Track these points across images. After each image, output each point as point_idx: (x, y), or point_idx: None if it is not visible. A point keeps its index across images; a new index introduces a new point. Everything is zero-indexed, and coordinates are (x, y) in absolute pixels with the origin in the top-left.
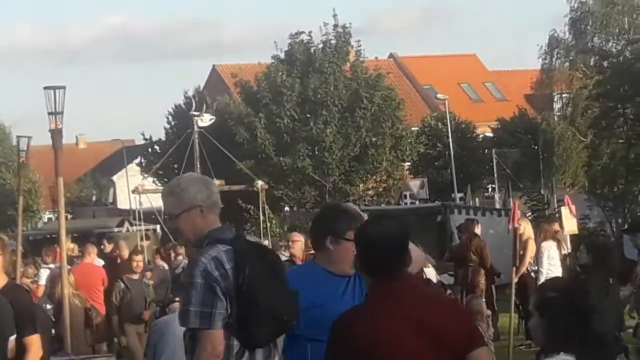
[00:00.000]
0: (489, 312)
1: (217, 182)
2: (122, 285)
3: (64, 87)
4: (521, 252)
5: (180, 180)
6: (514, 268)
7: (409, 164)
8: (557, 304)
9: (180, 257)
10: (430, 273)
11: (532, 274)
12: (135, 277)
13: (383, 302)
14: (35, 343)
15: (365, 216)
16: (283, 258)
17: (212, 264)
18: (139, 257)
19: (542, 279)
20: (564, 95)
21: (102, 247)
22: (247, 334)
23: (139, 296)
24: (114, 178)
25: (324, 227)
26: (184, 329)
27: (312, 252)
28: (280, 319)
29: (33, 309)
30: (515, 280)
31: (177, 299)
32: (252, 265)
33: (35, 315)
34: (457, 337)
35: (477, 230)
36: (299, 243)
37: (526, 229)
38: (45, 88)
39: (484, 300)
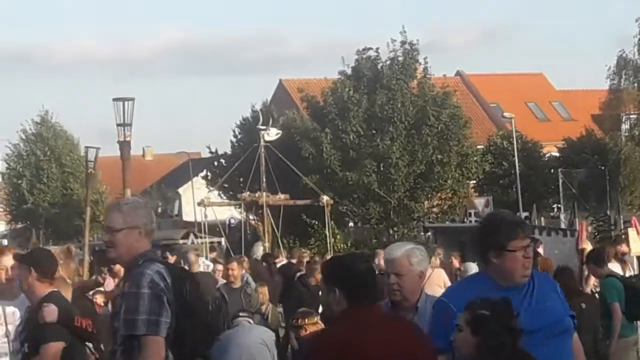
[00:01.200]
0: None
1: (282, 196)
2: (218, 294)
3: (132, 99)
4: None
5: (129, 200)
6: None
7: (475, 182)
8: (489, 322)
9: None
10: None
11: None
12: (235, 286)
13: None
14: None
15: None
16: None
17: (157, 276)
18: (234, 266)
19: None
20: (631, 116)
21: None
22: (184, 346)
23: (237, 306)
24: (180, 190)
25: (485, 240)
26: (248, 338)
27: None
28: (214, 334)
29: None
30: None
31: (242, 314)
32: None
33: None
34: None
35: (540, 250)
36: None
37: (586, 250)
38: (115, 100)
39: None
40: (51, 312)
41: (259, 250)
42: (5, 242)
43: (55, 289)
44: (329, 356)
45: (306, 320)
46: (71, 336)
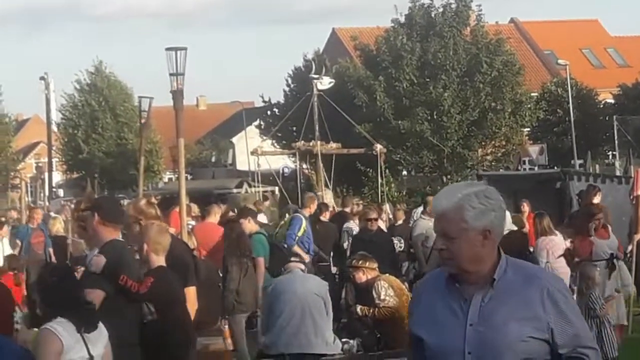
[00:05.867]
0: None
1: (335, 145)
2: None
3: (185, 49)
4: None
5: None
6: (637, 236)
7: (529, 129)
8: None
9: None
10: (559, 239)
11: None
12: None
13: None
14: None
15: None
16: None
17: None
18: None
19: None
20: None
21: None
22: None
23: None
24: (234, 140)
25: None
26: (303, 288)
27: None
28: None
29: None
30: (633, 248)
31: (293, 258)
32: None
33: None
34: None
35: (597, 198)
36: None
37: None
38: (167, 49)
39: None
40: (97, 263)
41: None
42: (61, 192)
43: (118, 239)
44: None
45: (367, 264)
46: (113, 289)
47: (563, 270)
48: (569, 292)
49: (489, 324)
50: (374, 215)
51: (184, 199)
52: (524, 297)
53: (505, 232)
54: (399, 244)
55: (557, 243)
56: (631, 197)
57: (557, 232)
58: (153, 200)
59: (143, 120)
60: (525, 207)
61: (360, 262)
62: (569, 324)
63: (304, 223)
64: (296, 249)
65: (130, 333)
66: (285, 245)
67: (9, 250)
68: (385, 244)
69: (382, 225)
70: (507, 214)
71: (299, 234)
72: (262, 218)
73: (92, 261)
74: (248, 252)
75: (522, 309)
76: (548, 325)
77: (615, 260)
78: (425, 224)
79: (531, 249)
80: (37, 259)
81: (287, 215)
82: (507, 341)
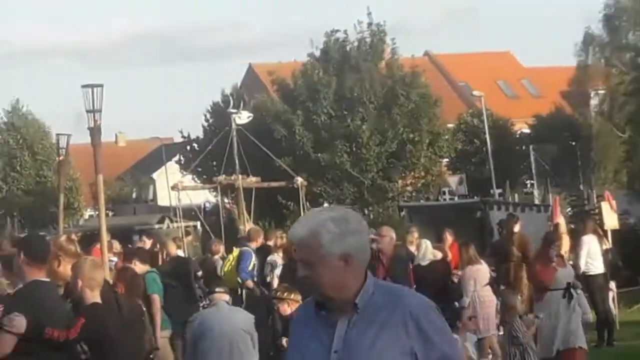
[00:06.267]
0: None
1: (254, 179)
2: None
3: (101, 85)
4: None
5: None
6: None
7: (447, 160)
8: None
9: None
10: (485, 268)
11: None
12: None
13: None
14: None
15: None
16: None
17: None
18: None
19: (580, 272)
20: (600, 92)
21: (141, 243)
22: None
23: None
24: (154, 175)
25: None
26: (232, 324)
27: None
28: None
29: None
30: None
31: (218, 289)
32: None
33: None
34: None
35: (517, 227)
36: (387, 238)
37: (560, 224)
38: (83, 86)
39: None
40: (18, 326)
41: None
42: None
43: (42, 279)
44: None
45: (291, 295)
46: (38, 346)
47: (490, 298)
48: (437, 313)
49: (353, 351)
50: None
51: (105, 236)
52: (388, 321)
53: (428, 261)
54: None
55: (483, 272)
56: (550, 224)
57: (482, 260)
58: (73, 237)
59: (61, 158)
60: (448, 237)
61: (285, 293)
62: (432, 347)
63: (254, 257)
64: (249, 283)
65: None
66: (240, 280)
67: None
68: None
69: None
70: (428, 243)
71: (250, 268)
72: (181, 254)
73: (11, 321)
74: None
75: (385, 333)
76: (412, 350)
77: (572, 290)
78: None
79: (454, 279)
80: None
81: (233, 249)
82: None
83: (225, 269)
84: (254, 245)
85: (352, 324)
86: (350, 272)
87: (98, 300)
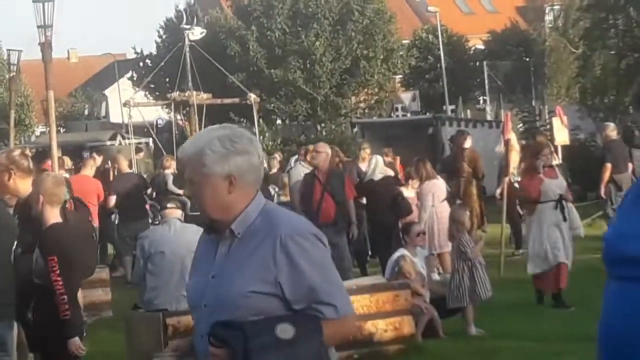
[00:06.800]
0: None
1: (205, 95)
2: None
3: (52, 0)
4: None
5: None
6: (506, 179)
7: (401, 76)
8: None
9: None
10: (442, 183)
11: (516, 185)
12: None
13: None
14: None
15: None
16: (305, 170)
17: None
18: None
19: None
20: (555, 7)
21: (92, 160)
22: None
23: None
24: (106, 92)
25: None
26: (183, 245)
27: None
28: None
29: None
30: (500, 191)
31: (169, 205)
32: None
33: None
34: None
35: (468, 142)
36: (323, 154)
37: (511, 140)
38: (35, 1)
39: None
40: None
41: None
42: None
43: None
44: None
45: None
46: None
47: (447, 213)
48: (313, 240)
49: (222, 277)
50: None
51: (56, 152)
52: (258, 248)
53: (380, 177)
54: (273, 192)
55: (440, 187)
56: (501, 140)
57: (437, 176)
58: (27, 152)
59: (12, 74)
60: (389, 154)
61: None
62: (302, 278)
63: None
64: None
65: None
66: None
67: None
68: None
69: None
70: (379, 158)
71: None
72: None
73: None
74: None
75: (253, 261)
76: (276, 279)
77: (564, 202)
78: (302, 171)
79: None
80: None
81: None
82: (232, 295)
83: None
84: None
85: (231, 248)
86: (235, 194)
87: (58, 217)
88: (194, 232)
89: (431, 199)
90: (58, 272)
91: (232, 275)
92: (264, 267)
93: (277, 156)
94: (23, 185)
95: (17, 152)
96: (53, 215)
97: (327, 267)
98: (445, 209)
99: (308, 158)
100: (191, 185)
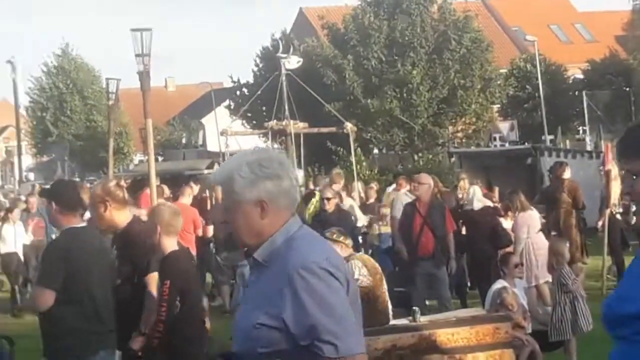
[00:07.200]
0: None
1: (301, 124)
2: None
3: (150, 29)
4: None
5: None
6: (607, 210)
7: (498, 106)
8: None
9: None
10: (536, 215)
11: (618, 216)
12: None
13: None
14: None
15: None
16: (406, 200)
17: None
18: None
19: (633, 221)
20: None
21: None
22: None
23: None
24: (203, 121)
25: None
26: None
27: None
28: None
29: None
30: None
31: None
32: None
33: None
34: None
35: (567, 173)
36: (425, 186)
37: (612, 171)
38: (132, 30)
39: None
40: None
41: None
42: (32, 175)
43: (77, 225)
44: None
45: (347, 240)
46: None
47: (543, 244)
48: (319, 276)
49: (245, 306)
50: (328, 194)
51: (154, 180)
52: (271, 280)
53: (477, 207)
54: (364, 221)
55: (535, 218)
56: (602, 171)
57: (532, 207)
58: (122, 183)
59: (111, 102)
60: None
61: (341, 237)
62: (304, 314)
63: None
64: None
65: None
66: None
67: (24, 235)
68: (343, 223)
69: (355, 203)
70: (477, 188)
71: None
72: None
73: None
74: None
75: (266, 292)
76: (280, 314)
77: None
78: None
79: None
80: (38, 245)
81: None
82: (244, 326)
83: (310, 211)
84: (335, 187)
85: (258, 276)
86: (268, 219)
87: (175, 246)
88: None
89: (526, 230)
90: (167, 298)
91: (250, 305)
92: (272, 299)
93: (374, 185)
94: (119, 217)
95: (112, 184)
96: (170, 245)
97: (332, 304)
98: (540, 240)
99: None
100: (225, 212)
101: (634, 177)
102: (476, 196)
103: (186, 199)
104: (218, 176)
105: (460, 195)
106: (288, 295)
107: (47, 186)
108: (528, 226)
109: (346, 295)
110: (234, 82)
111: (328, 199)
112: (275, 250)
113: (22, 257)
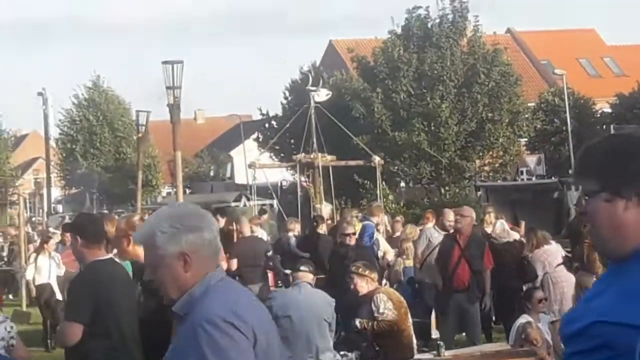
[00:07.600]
0: None
1: (329, 157)
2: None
3: (181, 62)
4: None
5: None
6: None
7: (526, 139)
8: None
9: (290, 233)
10: (555, 249)
11: None
12: None
13: None
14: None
15: None
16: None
17: None
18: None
19: None
20: None
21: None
22: None
23: None
24: (232, 153)
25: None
26: (312, 311)
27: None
28: None
29: None
30: None
31: (302, 267)
32: None
33: None
34: None
35: None
36: (468, 219)
37: None
38: (164, 63)
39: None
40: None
41: (327, 210)
42: (60, 207)
43: (101, 257)
44: None
45: (372, 274)
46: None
47: (565, 277)
48: (221, 328)
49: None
50: (349, 230)
51: None
52: (184, 333)
53: (503, 241)
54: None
55: (553, 252)
56: None
57: (551, 241)
58: (147, 217)
59: (140, 134)
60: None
61: (367, 271)
62: None
63: (374, 230)
64: (296, 250)
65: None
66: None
67: (57, 267)
68: (365, 257)
69: (381, 236)
70: (504, 222)
71: (372, 239)
72: (260, 232)
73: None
74: None
75: (180, 345)
76: None
77: None
78: (435, 236)
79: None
80: (70, 277)
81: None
82: None
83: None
84: (375, 219)
85: (177, 329)
86: (192, 272)
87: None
88: (322, 298)
89: (541, 267)
90: None
91: (166, 358)
92: (183, 352)
93: (400, 219)
94: (142, 251)
95: (136, 218)
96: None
97: (232, 357)
98: (561, 274)
99: (446, 222)
100: (150, 269)
101: (586, 197)
102: (503, 230)
103: None
104: (139, 236)
105: (488, 230)
106: (192, 349)
107: (70, 220)
108: (544, 262)
109: (252, 349)
110: (263, 114)
111: (349, 235)
112: (193, 302)
113: (56, 289)
